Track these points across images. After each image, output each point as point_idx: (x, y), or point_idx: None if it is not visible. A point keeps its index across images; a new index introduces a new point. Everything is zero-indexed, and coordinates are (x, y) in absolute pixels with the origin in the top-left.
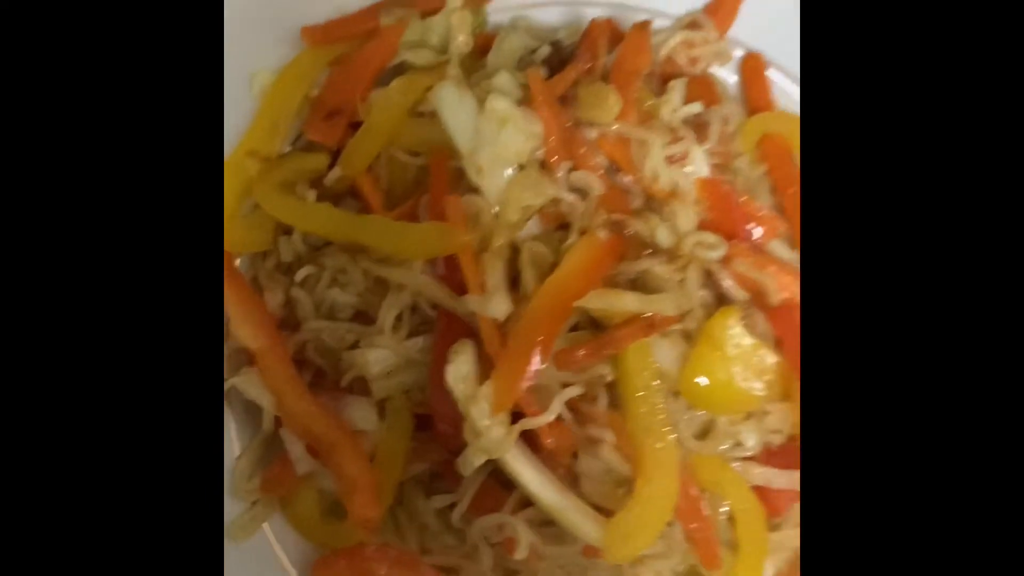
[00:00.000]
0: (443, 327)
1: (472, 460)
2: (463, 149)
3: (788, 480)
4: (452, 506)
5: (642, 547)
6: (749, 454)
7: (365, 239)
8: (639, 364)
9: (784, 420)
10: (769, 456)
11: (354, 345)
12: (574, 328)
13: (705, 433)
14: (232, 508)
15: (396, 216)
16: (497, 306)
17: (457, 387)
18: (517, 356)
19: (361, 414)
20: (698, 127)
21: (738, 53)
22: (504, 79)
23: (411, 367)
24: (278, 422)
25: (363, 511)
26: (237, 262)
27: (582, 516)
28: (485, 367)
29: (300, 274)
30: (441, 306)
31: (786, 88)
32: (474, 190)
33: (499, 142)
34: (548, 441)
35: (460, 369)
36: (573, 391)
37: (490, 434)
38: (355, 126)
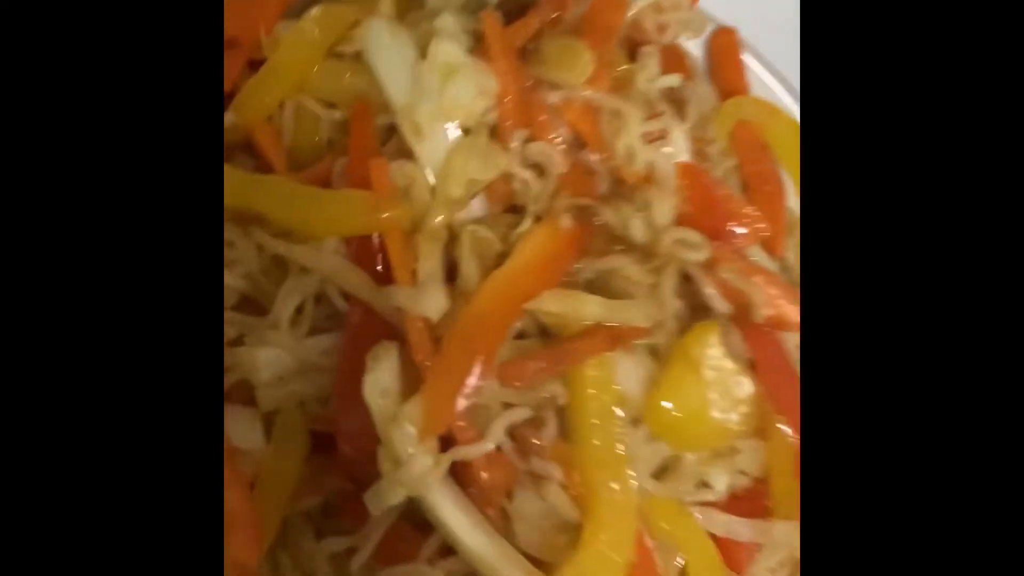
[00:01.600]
0: (357, 325)
1: (387, 495)
2: (396, 102)
3: (753, 531)
4: (351, 551)
5: None
6: (712, 499)
7: (261, 205)
8: (598, 385)
9: (753, 460)
10: (732, 502)
11: (237, 340)
12: (517, 336)
13: (664, 471)
14: None
15: (304, 180)
16: (431, 301)
17: (376, 402)
18: (453, 367)
19: (242, 429)
20: (674, 104)
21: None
22: (449, 22)
23: (310, 373)
24: None
25: (240, 554)
26: None
27: (518, 570)
28: (409, 379)
29: None
30: (356, 298)
31: (759, 74)
32: (406, 155)
33: (444, 97)
34: (483, 475)
35: (381, 379)
36: (518, 414)
37: (414, 464)
38: (255, 64)
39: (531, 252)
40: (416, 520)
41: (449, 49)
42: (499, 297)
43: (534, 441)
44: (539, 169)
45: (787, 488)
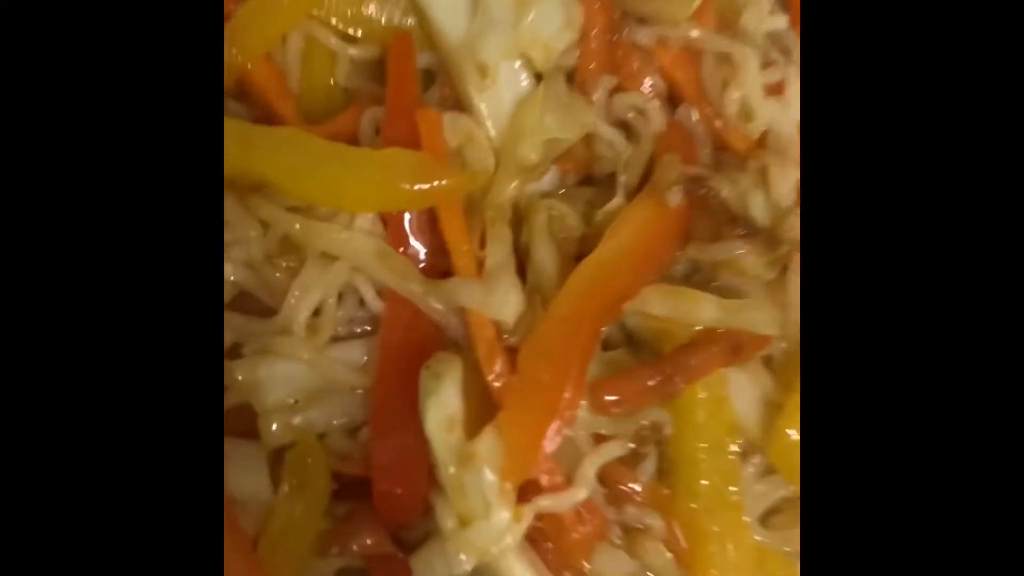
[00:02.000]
0: (399, 330)
1: (450, 561)
2: (451, 35)
3: None
4: None
5: None
6: None
7: (268, 168)
8: (710, 409)
9: None
10: None
11: (233, 350)
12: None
13: (775, 513)
14: None
15: (324, 135)
16: (505, 300)
17: (440, 436)
18: (538, 388)
19: (241, 471)
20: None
21: None
22: None
23: (334, 395)
24: None
25: None
26: None
27: None
28: (473, 404)
29: None
30: (396, 295)
31: None
32: (457, 105)
33: (519, 29)
34: (574, 531)
35: (445, 404)
36: (613, 449)
37: (491, 519)
38: None
39: (629, 236)
40: None
41: None
42: (590, 294)
43: (630, 485)
44: (627, 129)
45: None
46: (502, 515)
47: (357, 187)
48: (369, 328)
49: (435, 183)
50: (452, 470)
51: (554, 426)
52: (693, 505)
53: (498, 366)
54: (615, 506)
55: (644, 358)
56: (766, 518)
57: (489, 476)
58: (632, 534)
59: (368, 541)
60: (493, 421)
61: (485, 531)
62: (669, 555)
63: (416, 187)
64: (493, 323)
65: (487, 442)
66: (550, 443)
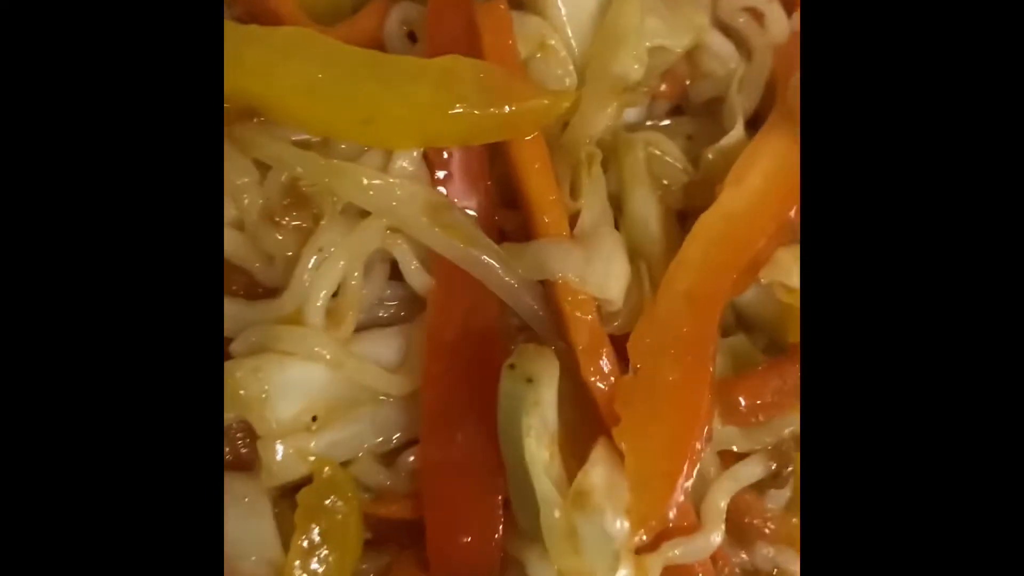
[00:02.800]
0: (456, 314)
1: None
2: None
3: None
4: None
5: None
6: None
7: (266, 87)
8: None
9: None
10: None
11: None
12: None
13: None
14: None
15: (344, 37)
16: (608, 267)
17: (541, 464)
18: (668, 392)
19: (238, 518)
20: None
21: None
22: None
23: (362, 406)
24: None
25: None
26: None
27: None
28: (565, 415)
29: None
30: (450, 266)
31: None
32: (518, 5)
33: None
34: None
35: (545, 420)
36: (752, 471)
37: None
38: None
39: (760, 181)
40: None
41: None
42: (718, 260)
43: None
44: (738, 40)
45: None
46: (621, 573)
47: (399, 112)
48: (403, 313)
49: (514, 105)
50: (557, 513)
51: (695, 446)
52: None
53: (604, 362)
54: (741, 546)
55: (760, 346)
56: None
57: (615, 522)
58: None
59: None
60: (601, 441)
61: None
62: None
63: (489, 111)
64: (594, 302)
65: (601, 472)
66: (689, 471)
